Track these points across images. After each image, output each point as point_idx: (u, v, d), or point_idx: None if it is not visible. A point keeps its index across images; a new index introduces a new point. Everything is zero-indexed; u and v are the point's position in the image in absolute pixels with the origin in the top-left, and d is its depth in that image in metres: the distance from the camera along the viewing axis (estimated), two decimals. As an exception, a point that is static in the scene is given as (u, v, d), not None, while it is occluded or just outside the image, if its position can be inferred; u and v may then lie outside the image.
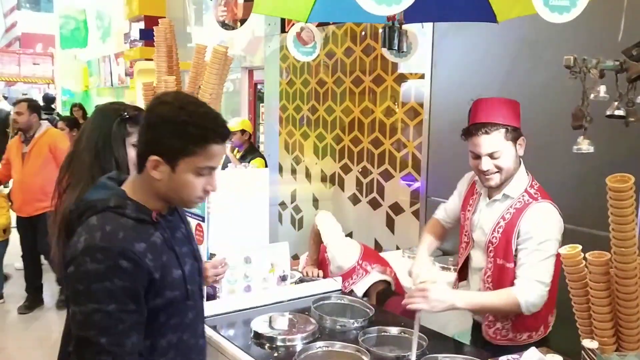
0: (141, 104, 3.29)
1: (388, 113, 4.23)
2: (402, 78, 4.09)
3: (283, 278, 2.51)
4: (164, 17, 8.68)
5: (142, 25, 8.34)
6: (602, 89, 1.57)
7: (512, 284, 2.06)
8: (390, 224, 4.27)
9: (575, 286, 1.62)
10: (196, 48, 2.61)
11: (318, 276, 2.78)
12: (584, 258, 1.60)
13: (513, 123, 2.08)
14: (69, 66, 14.90)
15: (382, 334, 2.17)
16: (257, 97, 6.55)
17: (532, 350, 1.73)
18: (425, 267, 2.13)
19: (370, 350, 1.98)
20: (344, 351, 2.00)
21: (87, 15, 13.98)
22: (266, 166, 4.75)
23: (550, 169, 2.91)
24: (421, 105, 3.85)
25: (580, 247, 1.60)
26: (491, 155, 2.08)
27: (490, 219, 2.18)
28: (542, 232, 2.03)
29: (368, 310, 2.36)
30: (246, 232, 2.89)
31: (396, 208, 4.24)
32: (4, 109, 11.10)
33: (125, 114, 1.99)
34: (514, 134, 2.08)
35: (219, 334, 2.16)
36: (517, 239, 2.08)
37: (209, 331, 2.18)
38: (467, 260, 2.33)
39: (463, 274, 2.38)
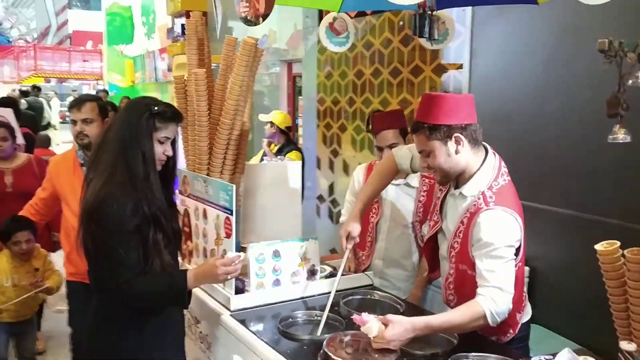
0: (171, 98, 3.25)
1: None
2: (441, 69, 3.99)
3: (313, 272, 2.48)
4: (205, 12, 8.79)
5: (184, 20, 8.43)
6: None
7: (473, 290, 1.97)
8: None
9: (612, 284, 1.53)
10: (226, 41, 2.59)
11: (350, 270, 2.74)
12: (623, 255, 1.50)
13: (438, 121, 2.00)
14: (116, 62, 15.26)
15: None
16: (295, 90, 6.53)
17: (566, 350, 1.65)
18: (372, 323, 1.88)
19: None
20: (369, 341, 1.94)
21: (133, 11, 14.27)
22: (302, 159, 4.72)
23: (595, 157, 2.79)
24: (460, 96, 3.76)
25: (618, 243, 1.51)
26: (422, 154, 2.10)
27: (452, 216, 2.15)
28: (492, 240, 1.94)
29: (398, 306, 2.31)
30: (279, 225, 2.88)
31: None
32: (39, 99, 11.22)
33: (155, 108, 2.00)
34: (440, 133, 2.00)
35: (247, 328, 2.14)
36: (472, 247, 2.02)
37: (235, 324, 2.17)
38: (434, 246, 2.30)
39: (434, 257, 2.34)
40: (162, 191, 2.08)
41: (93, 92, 16.29)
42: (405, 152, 2.46)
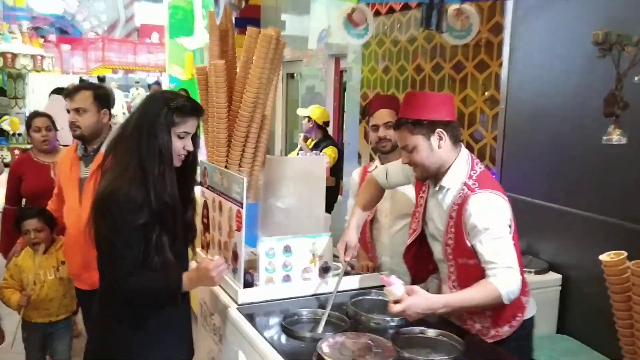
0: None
1: (467, 102, 3.99)
2: (483, 65, 3.84)
3: (325, 270, 2.43)
4: (259, 5, 8.81)
5: (237, 13, 8.49)
6: None
7: (479, 280, 2.02)
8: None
9: (617, 299, 1.41)
10: (248, 32, 2.57)
11: (368, 269, 2.68)
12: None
13: (421, 116, 2.08)
14: (177, 55, 15.56)
15: (419, 335, 2.03)
16: (341, 85, 6.47)
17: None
18: (396, 287, 1.93)
19: (399, 350, 1.86)
20: (369, 343, 1.88)
21: (194, 4, 14.51)
22: (339, 155, 4.66)
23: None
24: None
25: (625, 254, 1.38)
26: (405, 149, 2.15)
27: (439, 216, 2.19)
28: (487, 223, 2.01)
29: (409, 309, 2.23)
30: (301, 221, 2.85)
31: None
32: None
33: (174, 103, 1.98)
34: (424, 128, 2.08)
35: (251, 322, 2.12)
36: (468, 235, 2.06)
37: (239, 318, 2.16)
38: (417, 253, 2.35)
39: (417, 262, 2.39)
40: (181, 186, 2.07)
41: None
42: (380, 169, 2.57)
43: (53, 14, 27.16)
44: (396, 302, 1.88)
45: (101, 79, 15.01)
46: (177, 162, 2.04)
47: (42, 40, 18.80)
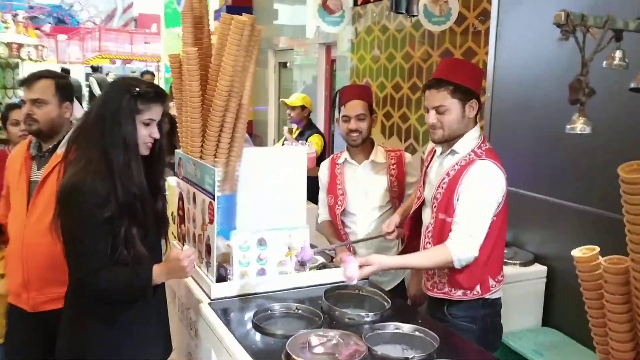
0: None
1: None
2: (470, 52, 3.76)
3: (302, 263, 2.36)
4: (252, -6, 8.66)
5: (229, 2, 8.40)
6: (618, 54, 1.26)
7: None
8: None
9: (590, 296, 1.34)
10: (221, 18, 2.48)
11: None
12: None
13: (465, 83, 2.16)
14: (173, 45, 15.46)
15: (394, 331, 1.97)
16: (332, 74, 6.38)
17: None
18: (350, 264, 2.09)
19: (371, 348, 1.79)
20: (339, 341, 1.81)
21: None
22: (325, 143, 4.58)
23: (624, 151, 2.53)
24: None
25: (597, 249, 1.32)
26: (437, 110, 2.19)
27: (439, 174, 2.27)
28: (478, 187, 2.11)
29: (385, 303, 2.17)
30: (279, 215, 2.77)
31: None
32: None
33: (136, 89, 1.91)
34: (463, 95, 2.17)
35: (222, 318, 2.06)
36: (457, 193, 2.16)
37: (210, 314, 2.09)
38: (419, 218, 2.44)
39: (414, 231, 2.49)
40: (149, 175, 2.01)
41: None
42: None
43: (50, 4, 27.01)
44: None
45: (95, 69, 14.88)
46: (144, 151, 1.98)
47: (38, 30, 18.70)
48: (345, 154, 2.88)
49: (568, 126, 1.37)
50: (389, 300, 2.17)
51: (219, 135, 2.53)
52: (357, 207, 2.80)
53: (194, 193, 2.42)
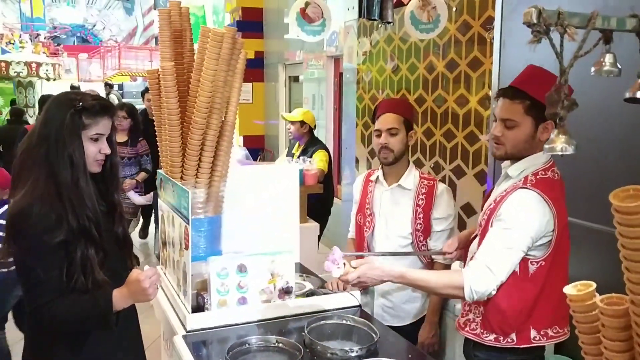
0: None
1: (460, 103, 3.74)
2: (476, 62, 3.58)
3: (286, 291, 2.20)
4: (261, 8, 8.62)
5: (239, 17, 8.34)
6: (609, 59, 1.08)
7: None
8: (462, 226, 3.78)
9: (586, 340, 1.15)
10: (201, 31, 2.36)
11: (338, 287, 2.44)
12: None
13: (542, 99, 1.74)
14: (191, 61, 15.51)
15: (381, 367, 1.80)
16: (341, 87, 6.23)
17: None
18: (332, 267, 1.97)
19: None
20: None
21: (205, 11, 14.45)
22: (330, 160, 4.40)
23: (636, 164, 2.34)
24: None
25: (594, 286, 1.12)
26: (505, 123, 1.89)
27: (490, 199, 2.02)
28: (512, 218, 1.82)
29: (374, 335, 1.99)
30: (272, 235, 2.62)
31: (467, 209, 3.75)
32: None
33: (81, 103, 1.78)
34: (540, 113, 1.72)
35: (194, 353, 1.90)
36: (493, 220, 1.91)
37: (182, 348, 1.94)
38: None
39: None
40: (103, 195, 1.89)
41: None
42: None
43: (72, 24, 27.49)
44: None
45: (109, 85, 14.99)
46: (94, 168, 1.85)
47: (58, 47, 18.92)
48: (379, 172, 2.64)
49: (546, 146, 1.15)
50: (377, 332, 1.99)
51: (199, 154, 2.39)
52: (380, 233, 2.59)
53: (172, 216, 2.28)
